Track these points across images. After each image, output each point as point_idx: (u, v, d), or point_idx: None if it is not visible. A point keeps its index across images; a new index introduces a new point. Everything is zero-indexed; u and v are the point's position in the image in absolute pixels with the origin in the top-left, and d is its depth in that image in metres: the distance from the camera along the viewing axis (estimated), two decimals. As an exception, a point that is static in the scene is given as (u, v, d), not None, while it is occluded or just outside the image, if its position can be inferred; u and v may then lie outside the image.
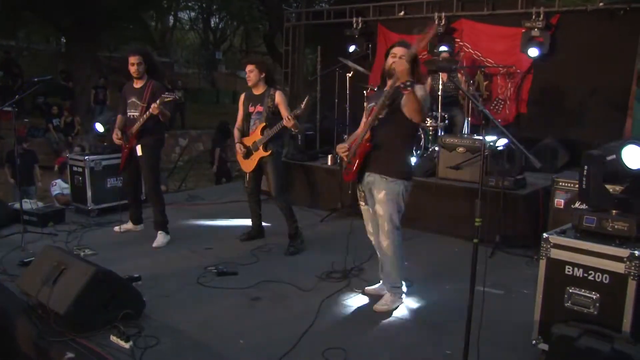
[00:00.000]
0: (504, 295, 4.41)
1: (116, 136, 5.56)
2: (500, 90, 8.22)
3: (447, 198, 6.06)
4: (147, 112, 5.27)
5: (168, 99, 5.17)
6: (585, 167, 3.17)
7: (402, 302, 4.11)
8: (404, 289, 4.13)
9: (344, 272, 4.68)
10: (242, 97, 5.50)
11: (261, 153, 5.28)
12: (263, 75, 5.29)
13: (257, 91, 5.34)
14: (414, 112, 3.67)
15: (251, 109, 5.34)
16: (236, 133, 5.52)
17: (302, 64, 11.83)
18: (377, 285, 4.37)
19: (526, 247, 5.38)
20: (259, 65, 5.32)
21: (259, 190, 5.66)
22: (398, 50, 3.84)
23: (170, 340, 3.53)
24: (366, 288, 4.40)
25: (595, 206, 3.19)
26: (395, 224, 3.91)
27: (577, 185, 4.89)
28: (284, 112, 5.18)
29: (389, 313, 4.02)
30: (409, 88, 3.47)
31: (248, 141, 5.38)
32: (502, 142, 5.46)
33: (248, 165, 5.46)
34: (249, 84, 5.33)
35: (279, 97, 5.25)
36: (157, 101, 5.16)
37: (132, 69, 5.41)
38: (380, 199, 3.88)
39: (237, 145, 5.43)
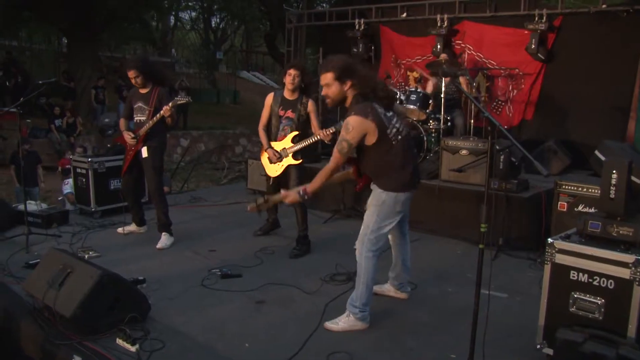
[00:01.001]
0: (507, 299, 4.41)
1: (129, 136, 5.53)
2: (501, 92, 8.22)
3: (449, 200, 6.07)
4: (158, 115, 5.30)
5: (182, 102, 5.23)
6: (614, 175, 3.12)
7: (357, 327, 3.80)
8: (360, 314, 3.80)
9: (348, 275, 4.69)
10: (271, 97, 5.45)
11: (290, 161, 5.30)
12: (303, 84, 5.31)
13: (291, 96, 5.33)
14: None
15: (281, 112, 5.33)
16: (262, 134, 5.47)
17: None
18: (385, 285, 4.40)
19: (529, 249, 5.41)
20: (305, 73, 5.31)
21: (277, 191, 5.67)
22: (322, 79, 3.71)
23: (176, 343, 3.54)
24: (374, 287, 4.43)
25: (626, 216, 3.14)
26: (369, 235, 3.74)
27: (580, 189, 4.94)
28: (314, 121, 5.26)
29: (392, 318, 4.03)
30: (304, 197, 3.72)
31: (277, 146, 5.38)
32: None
33: (274, 171, 5.45)
34: (289, 87, 5.28)
35: (311, 106, 5.29)
36: (170, 103, 5.20)
37: (133, 82, 5.49)
38: (368, 204, 3.86)
39: (270, 151, 5.36)
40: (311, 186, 3.74)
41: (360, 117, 3.54)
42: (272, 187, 5.57)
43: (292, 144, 5.28)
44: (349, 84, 3.65)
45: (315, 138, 5.17)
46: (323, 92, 3.72)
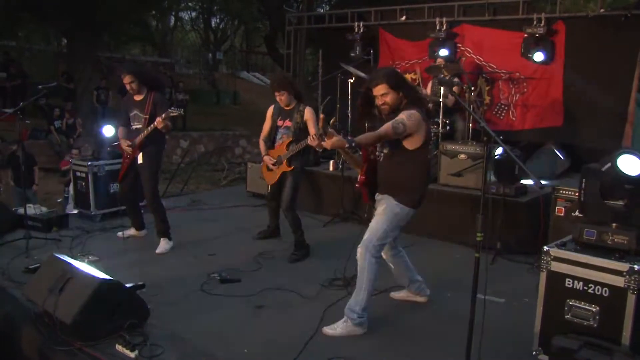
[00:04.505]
0: (505, 304, 4.45)
1: (126, 144, 5.55)
2: (503, 95, 8.24)
3: (448, 205, 6.10)
4: (152, 125, 5.30)
5: (174, 114, 5.22)
6: (583, 180, 3.22)
7: (355, 333, 3.85)
8: (358, 320, 3.84)
9: (346, 280, 4.70)
10: (271, 109, 5.56)
11: (284, 168, 5.36)
12: (292, 95, 5.34)
13: (288, 106, 5.39)
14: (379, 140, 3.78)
15: (279, 122, 5.41)
16: (262, 145, 5.59)
17: (304, 67, 11.86)
18: (402, 291, 4.51)
19: (527, 254, 5.42)
20: (288, 88, 5.31)
21: (277, 197, 5.68)
22: (377, 90, 3.82)
23: (175, 349, 3.56)
24: (391, 294, 4.53)
25: (594, 219, 3.24)
26: (374, 242, 3.80)
27: (577, 194, 4.97)
28: (311, 129, 5.25)
29: (389, 323, 4.07)
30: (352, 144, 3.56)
31: (274, 154, 5.45)
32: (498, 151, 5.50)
33: (271, 178, 5.55)
34: (283, 105, 5.37)
35: (308, 114, 5.31)
36: (163, 115, 5.19)
37: (128, 87, 5.49)
38: (378, 212, 3.90)
39: (266, 158, 5.48)
40: (359, 138, 3.67)
41: (421, 115, 3.73)
42: (271, 194, 5.69)
43: (287, 151, 5.33)
44: (401, 92, 3.79)
45: (305, 143, 5.16)
46: (379, 102, 3.83)
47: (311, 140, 4.98)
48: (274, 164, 5.41)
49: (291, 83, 5.40)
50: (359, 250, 3.85)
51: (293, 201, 5.44)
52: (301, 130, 5.30)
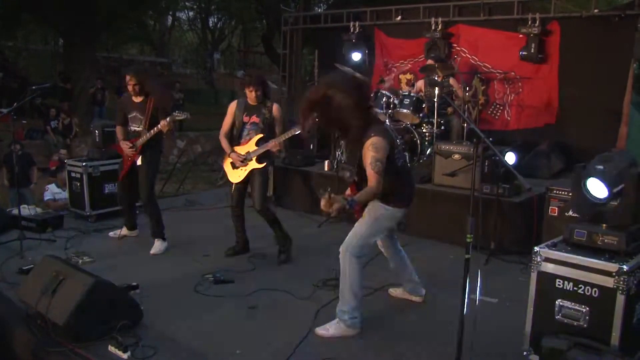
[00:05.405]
0: (497, 304, 4.46)
1: (127, 146, 5.52)
2: (498, 95, 8.27)
3: (442, 205, 6.10)
4: (155, 128, 5.28)
5: (180, 117, 5.20)
6: (575, 180, 3.24)
7: (347, 333, 3.85)
8: (350, 321, 3.84)
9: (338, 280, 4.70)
10: (235, 104, 5.35)
11: (254, 165, 5.22)
12: (263, 92, 5.24)
13: (254, 102, 5.26)
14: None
15: (246, 118, 5.28)
16: (225, 141, 5.33)
17: (300, 67, 11.86)
18: (398, 289, 4.55)
19: (521, 253, 5.41)
20: (263, 84, 5.23)
21: (242, 203, 5.49)
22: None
23: (167, 350, 3.57)
24: (390, 290, 4.59)
25: (585, 219, 3.25)
26: (354, 243, 3.79)
27: (570, 194, 4.99)
28: (278, 127, 5.21)
29: (383, 323, 4.08)
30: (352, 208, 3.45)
31: (241, 151, 5.28)
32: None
33: (237, 176, 5.33)
34: (254, 103, 5.23)
35: (276, 111, 5.23)
36: (168, 118, 5.17)
37: (130, 88, 5.43)
38: (363, 213, 3.88)
39: (234, 155, 5.24)
40: (358, 197, 3.57)
41: (381, 137, 3.61)
42: (236, 193, 5.44)
43: (257, 147, 5.20)
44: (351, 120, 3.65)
45: (271, 144, 5.14)
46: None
47: (272, 145, 5.03)
48: (242, 161, 5.23)
49: (263, 80, 5.31)
50: (340, 251, 3.85)
51: (265, 200, 5.31)
52: (270, 126, 5.21)
